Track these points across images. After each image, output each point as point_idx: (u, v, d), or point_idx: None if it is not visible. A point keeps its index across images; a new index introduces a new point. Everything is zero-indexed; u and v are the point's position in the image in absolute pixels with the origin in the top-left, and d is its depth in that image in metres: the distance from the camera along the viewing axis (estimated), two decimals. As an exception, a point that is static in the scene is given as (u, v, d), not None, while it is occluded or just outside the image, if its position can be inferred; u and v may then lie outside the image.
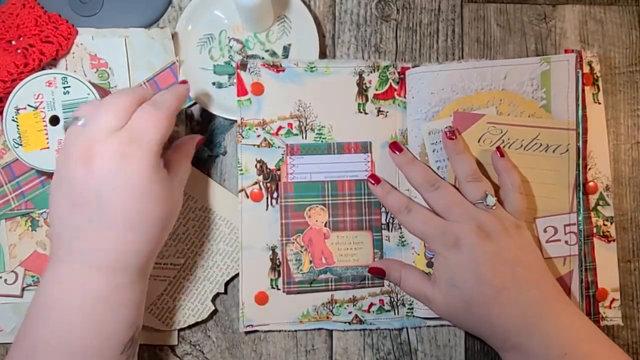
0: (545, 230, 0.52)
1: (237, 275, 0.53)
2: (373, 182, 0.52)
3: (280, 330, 0.53)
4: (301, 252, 0.52)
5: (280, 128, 0.53)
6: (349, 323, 0.52)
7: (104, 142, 0.41)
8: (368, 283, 0.53)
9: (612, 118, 0.56)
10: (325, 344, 0.54)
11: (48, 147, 0.49)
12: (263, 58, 0.55)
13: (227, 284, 0.53)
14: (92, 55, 0.54)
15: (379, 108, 0.54)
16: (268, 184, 0.53)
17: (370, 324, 0.52)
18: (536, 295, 0.46)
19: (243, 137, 0.53)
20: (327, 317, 0.52)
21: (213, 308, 0.53)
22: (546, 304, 0.46)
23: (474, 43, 0.57)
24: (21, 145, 0.49)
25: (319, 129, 0.53)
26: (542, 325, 0.45)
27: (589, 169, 0.53)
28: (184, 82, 0.50)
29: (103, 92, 0.51)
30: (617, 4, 0.58)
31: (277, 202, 0.53)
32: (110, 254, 0.41)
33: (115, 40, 0.54)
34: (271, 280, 0.52)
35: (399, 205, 0.50)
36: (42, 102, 0.49)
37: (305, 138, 0.53)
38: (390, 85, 0.54)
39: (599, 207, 0.53)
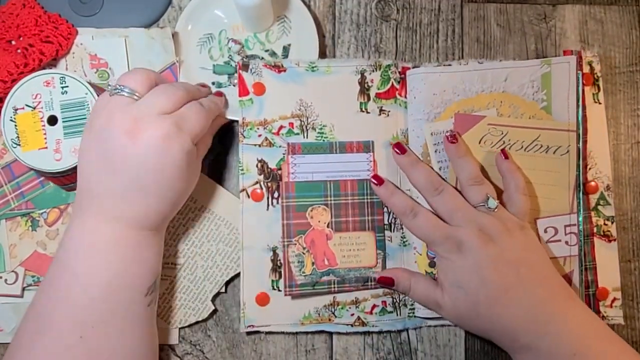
0: (545, 231, 0.52)
1: (237, 275, 0.53)
2: (376, 182, 0.52)
3: (281, 332, 0.53)
4: (303, 253, 0.52)
5: (281, 127, 0.53)
6: (351, 325, 0.52)
7: (154, 121, 0.44)
8: (371, 284, 0.52)
9: (612, 118, 0.56)
10: (325, 344, 0.54)
11: (46, 147, 0.49)
12: (263, 58, 0.55)
13: (227, 283, 0.54)
14: (92, 55, 0.54)
15: (381, 107, 0.54)
16: (268, 184, 0.53)
17: (373, 326, 0.52)
18: (542, 295, 0.46)
19: (244, 137, 0.53)
20: (329, 319, 0.52)
21: (213, 308, 0.53)
22: (554, 303, 0.46)
23: (474, 43, 0.57)
24: (19, 145, 0.49)
25: (320, 128, 0.53)
26: (551, 325, 0.45)
27: (590, 168, 0.53)
28: (220, 93, 0.54)
29: (101, 92, 0.51)
30: (617, 4, 0.58)
31: (277, 202, 0.52)
32: (139, 215, 0.46)
33: (115, 40, 0.54)
34: (272, 281, 0.52)
35: (404, 209, 0.50)
36: (40, 102, 0.49)
37: (307, 137, 0.53)
38: (392, 84, 0.54)
39: (599, 207, 0.53)
